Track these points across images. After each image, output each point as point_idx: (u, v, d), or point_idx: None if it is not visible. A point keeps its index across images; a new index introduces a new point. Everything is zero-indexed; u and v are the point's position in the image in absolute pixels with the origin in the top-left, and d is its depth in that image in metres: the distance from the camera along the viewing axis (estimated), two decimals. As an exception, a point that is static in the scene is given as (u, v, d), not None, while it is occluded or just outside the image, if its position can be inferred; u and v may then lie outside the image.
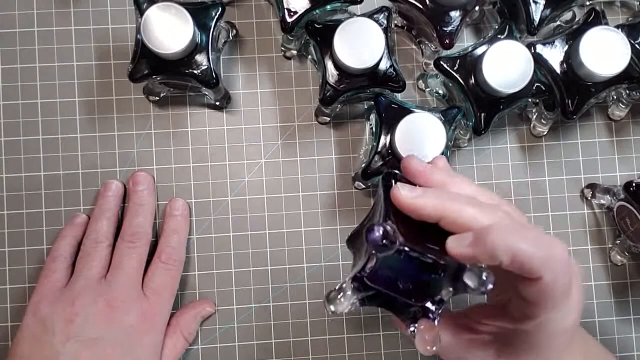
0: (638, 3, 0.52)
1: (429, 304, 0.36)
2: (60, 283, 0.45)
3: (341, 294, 0.36)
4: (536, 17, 0.46)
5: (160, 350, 0.46)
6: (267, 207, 0.50)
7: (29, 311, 0.44)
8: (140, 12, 0.43)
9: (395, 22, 0.50)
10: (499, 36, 0.46)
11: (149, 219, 0.48)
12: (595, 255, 0.51)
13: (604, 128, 0.52)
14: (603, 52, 0.44)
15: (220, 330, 0.49)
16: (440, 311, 0.36)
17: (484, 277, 0.33)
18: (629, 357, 0.50)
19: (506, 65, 0.44)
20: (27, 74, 0.50)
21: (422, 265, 0.34)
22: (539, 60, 0.46)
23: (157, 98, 0.50)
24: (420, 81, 0.51)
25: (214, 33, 0.45)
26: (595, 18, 0.46)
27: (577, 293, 0.35)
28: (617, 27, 0.46)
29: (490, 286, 0.33)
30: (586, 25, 0.46)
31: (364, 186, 0.50)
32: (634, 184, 0.46)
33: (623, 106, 0.50)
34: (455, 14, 0.46)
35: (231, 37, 0.50)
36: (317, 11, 0.46)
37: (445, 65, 0.46)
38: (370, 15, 0.45)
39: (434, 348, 0.35)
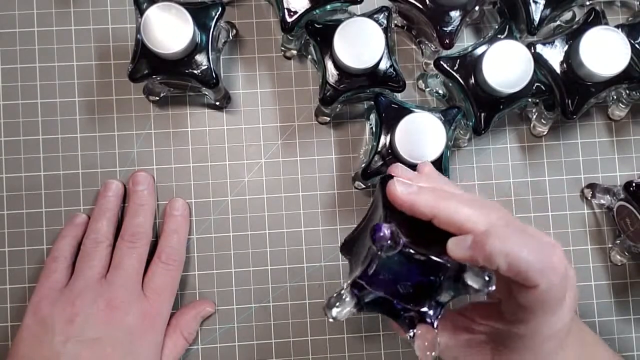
0: (638, 3, 0.52)
1: (427, 309, 0.36)
2: (60, 283, 0.45)
3: (340, 300, 0.36)
4: (536, 17, 0.46)
5: (160, 350, 0.46)
6: (267, 207, 0.50)
7: (29, 311, 0.44)
8: (140, 12, 0.44)
9: (395, 22, 0.50)
10: (499, 36, 0.46)
11: (149, 219, 0.48)
12: (595, 255, 0.51)
13: (604, 128, 0.52)
14: (603, 52, 0.44)
15: (220, 330, 0.49)
16: (439, 315, 0.36)
17: (486, 278, 0.33)
18: (629, 357, 0.50)
19: (506, 65, 0.44)
20: (27, 74, 0.50)
21: (423, 268, 0.34)
22: (539, 60, 0.46)
23: (157, 98, 0.50)
24: (420, 81, 0.51)
25: (214, 33, 0.45)
26: (595, 18, 0.46)
27: (571, 297, 0.36)
28: (617, 27, 0.46)
29: (492, 287, 0.33)
30: (586, 25, 0.46)
31: (364, 186, 0.50)
32: (634, 184, 0.46)
33: (623, 106, 0.50)
34: (455, 14, 0.46)
35: (231, 37, 0.50)
36: (317, 11, 0.46)
37: (445, 65, 0.46)
38: (370, 15, 0.45)
39: (434, 353, 0.35)
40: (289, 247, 0.50)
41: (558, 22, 0.50)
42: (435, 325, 0.35)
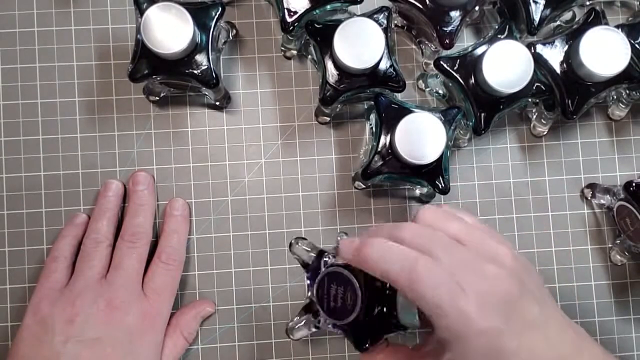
0: (638, 3, 0.52)
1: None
2: (60, 283, 0.45)
3: (297, 324, 0.45)
4: (536, 17, 0.46)
5: (160, 350, 0.46)
6: (267, 207, 0.50)
7: (29, 311, 0.44)
8: (140, 12, 0.44)
9: (395, 22, 0.50)
10: (499, 36, 0.46)
11: (149, 219, 0.48)
12: (595, 255, 0.51)
13: (604, 128, 0.52)
14: (603, 52, 0.44)
15: (220, 330, 0.49)
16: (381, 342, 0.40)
17: (414, 311, 0.37)
18: (629, 357, 0.50)
19: (506, 65, 0.44)
20: (27, 74, 0.50)
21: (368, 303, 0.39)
22: (539, 60, 0.46)
23: (157, 98, 0.50)
24: (420, 81, 0.51)
25: (214, 33, 0.45)
26: (595, 18, 0.46)
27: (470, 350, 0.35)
28: (617, 27, 0.46)
29: (416, 321, 0.37)
30: (586, 25, 0.46)
31: (364, 186, 0.50)
32: (634, 184, 0.46)
33: (623, 106, 0.50)
34: (455, 14, 0.46)
35: (231, 37, 0.50)
36: (317, 11, 0.46)
37: (445, 65, 0.46)
38: (370, 15, 0.45)
39: None
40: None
41: (558, 22, 0.50)
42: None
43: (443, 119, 0.44)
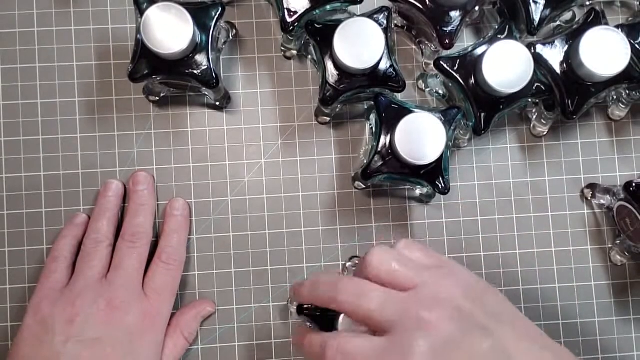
0: (638, 3, 0.52)
1: None
2: (60, 283, 0.45)
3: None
4: (536, 17, 0.46)
5: (161, 350, 0.46)
6: (267, 207, 0.50)
7: (29, 311, 0.44)
8: (140, 12, 0.44)
9: (395, 22, 0.50)
10: (499, 36, 0.46)
11: (149, 219, 0.48)
12: (595, 255, 0.51)
13: (604, 128, 0.52)
14: (603, 52, 0.44)
15: (220, 330, 0.49)
16: None
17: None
18: (629, 357, 0.50)
19: (506, 65, 0.44)
20: (27, 74, 0.50)
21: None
22: (539, 60, 0.46)
23: (157, 98, 0.50)
24: (420, 81, 0.51)
25: (214, 33, 0.45)
26: (595, 18, 0.46)
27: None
28: (617, 27, 0.46)
29: None
30: (586, 25, 0.46)
31: (364, 186, 0.50)
32: (634, 184, 0.46)
33: (623, 106, 0.50)
34: (455, 14, 0.46)
35: (231, 37, 0.50)
36: (317, 11, 0.46)
37: (445, 65, 0.46)
38: (370, 15, 0.45)
39: None
40: (289, 247, 0.50)
41: (558, 22, 0.50)
42: None
43: (443, 119, 0.44)
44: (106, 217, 0.47)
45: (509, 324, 0.37)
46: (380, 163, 0.45)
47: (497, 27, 0.47)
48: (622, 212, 0.48)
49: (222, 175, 0.50)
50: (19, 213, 0.49)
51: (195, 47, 0.44)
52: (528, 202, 0.51)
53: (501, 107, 0.46)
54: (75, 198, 0.50)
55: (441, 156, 0.43)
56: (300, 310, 0.43)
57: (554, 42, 0.46)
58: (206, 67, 0.45)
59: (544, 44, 0.46)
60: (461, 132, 0.49)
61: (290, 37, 0.48)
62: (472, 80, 0.45)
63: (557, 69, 0.46)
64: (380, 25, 0.44)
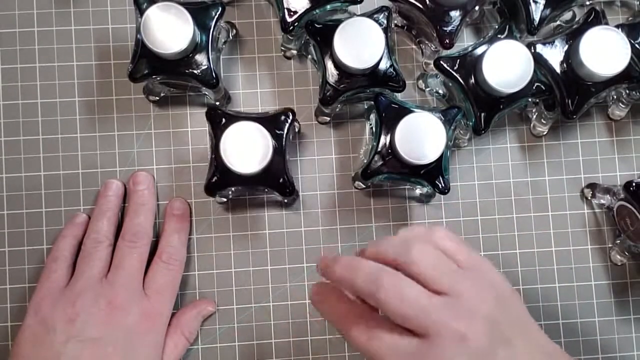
0: (638, 3, 0.52)
1: None
2: (61, 283, 0.45)
3: None
4: (536, 16, 0.46)
5: (161, 350, 0.46)
6: (267, 207, 0.50)
7: (30, 311, 0.44)
8: (140, 12, 0.44)
9: (395, 22, 0.50)
10: (499, 36, 0.46)
11: (149, 219, 0.48)
12: (595, 255, 0.51)
13: (604, 128, 0.52)
14: (603, 52, 0.44)
15: (220, 330, 0.49)
16: None
17: None
18: (628, 357, 0.50)
19: (506, 65, 0.44)
20: (27, 74, 0.50)
21: None
22: (539, 60, 0.46)
23: (157, 98, 0.50)
24: (420, 81, 0.51)
25: (214, 33, 0.45)
26: (595, 18, 0.46)
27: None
28: (617, 27, 0.46)
29: None
30: (586, 25, 0.46)
31: (364, 186, 0.50)
32: (634, 184, 0.46)
33: (623, 106, 0.50)
34: (455, 14, 0.46)
35: (231, 37, 0.50)
36: (317, 11, 0.46)
37: (445, 65, 0.46)
38: (370, 15, 0.45)
39: None
40: (289, 247, 0.50)
41: (558, 22, 0.50)
42: None
43: (443, 119, 0.44)
44: (106, 216, 0.47)
45: (527, 334, 0.37)
46: (380, 163, 0.45)
47: (497, 26, 0.47)
48: (622, 211, 0.48)
49: (222, 175, 0.50)
50: (19, 213, 0.49)
51: (195, 47, 0.44)
52: (528, 201, 0.51)
53: (501, 106, 0.46)
54: (75, 198, 0.50)
55: (441, 156, 0.43)
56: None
57: (554, 41, 0.46)
58: (206, 67, 0.45)
59: (544, 44, 0.46)
60: (461, 131, 0.49)
61: (290, 37, 0.48)
62: (472, 80, 0.45)
63: (557, 69, 0.46)
64: (380, 25, 0.44)
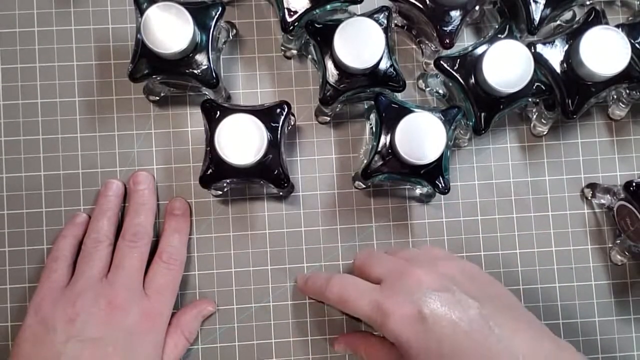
0: (638, 3, 0.52)
1: None
2: (61, 283, 0.45)
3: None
4: (536, 16, 0.46)
5: (161, 350, 0.46)
6: (267, 206, 0.50)
7: (30, 311, 0.44)
8: (140, 12, 0.44)
9: (395, 22, 0.50)
10: (499, 36, 0.46)
11: (150, 219, 0.48)
12: (595, 255, 0.51)
13: (604, 128, 0.52)
14: (603, 51, 0.44)
15: (220, 330, 0.49)
16: None
17: None
18: (628, 357, 0.50)
19: (506, 65, 0.44)
20: (27, 74, 0.50)
21: None
22: (539, 59, 0.46)
23: (157, 98, 0.50)
24: (420, 81, 0.51)
25: (214, 33, 0.45)
26: (595, 18, 0.46)
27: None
28: (617, 26, 0.46)
29: None
30: (586, 24, 0.46)
31: (364, 186, 0.50)
32: (634, 184, 0.46)
33: (623, 106, 0.50)
34: (455, 14, 0.46)
35: (231, 37, 0.50)
36: (317, 11, 0.46)
37: (445, 65, 0.46)
38: (370, 15, 0.45)
39: None
40: (289, 247, 0.50)
41: (558, 22, 0.50)
42: None
43: (443, 118, 0.44)
44: (106, 216, 0.47)
45: (509, 308, 0.40)
46: (380, 163, 0.45)
47: (497, 26, 0.47)
48: (622, 211, 0.48)
49: (222, 175, 0.50)
50: (19, 213, 0.49)
51: (195, 47, 0.44)
52: (528, 201, 0.51)
53: (501, 106, 0.46)
54: (75, 198, 0.50)
55: (441, 156, 0.43)
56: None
57: (554, 41, 0.46)
58: (206, 66, 0.45)
59: (544, 44, 0.46)
60: (461, 131, 0.49)
61: (290, 37, 0.48)
62: (472, 80, 0.45)
63: (558, 69, 0.46)
64: (380, 24, 0.44)
